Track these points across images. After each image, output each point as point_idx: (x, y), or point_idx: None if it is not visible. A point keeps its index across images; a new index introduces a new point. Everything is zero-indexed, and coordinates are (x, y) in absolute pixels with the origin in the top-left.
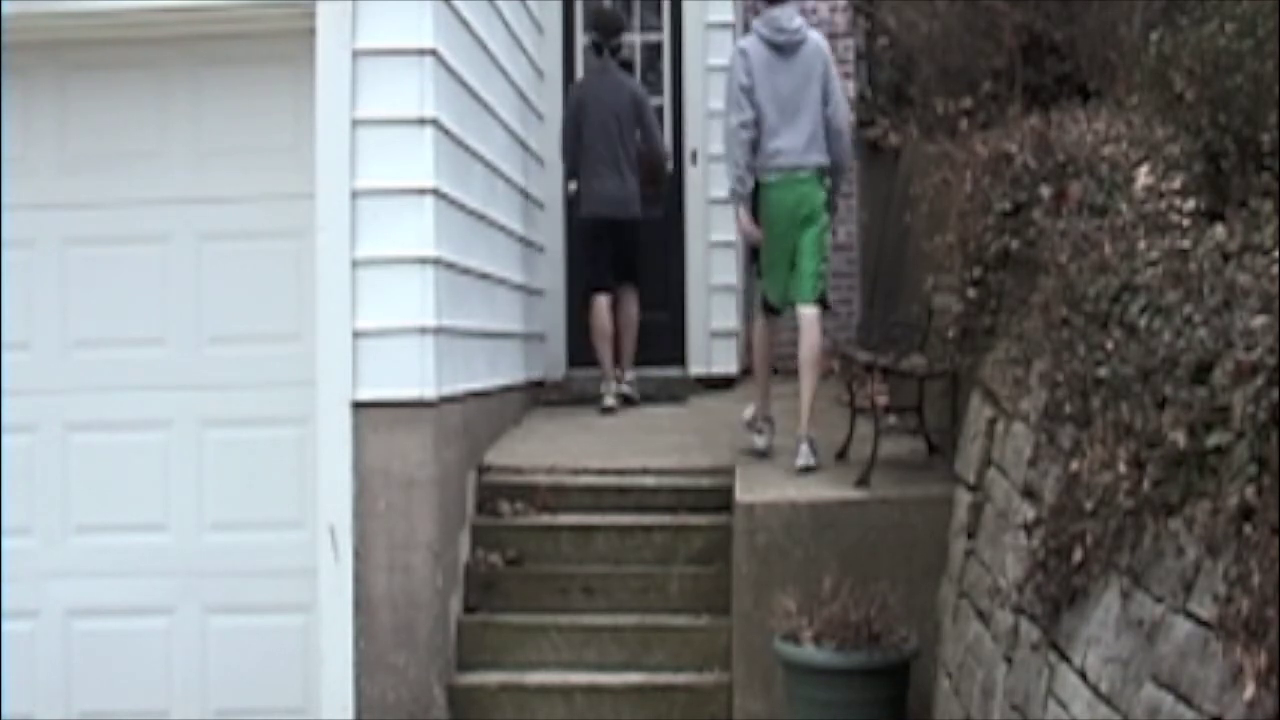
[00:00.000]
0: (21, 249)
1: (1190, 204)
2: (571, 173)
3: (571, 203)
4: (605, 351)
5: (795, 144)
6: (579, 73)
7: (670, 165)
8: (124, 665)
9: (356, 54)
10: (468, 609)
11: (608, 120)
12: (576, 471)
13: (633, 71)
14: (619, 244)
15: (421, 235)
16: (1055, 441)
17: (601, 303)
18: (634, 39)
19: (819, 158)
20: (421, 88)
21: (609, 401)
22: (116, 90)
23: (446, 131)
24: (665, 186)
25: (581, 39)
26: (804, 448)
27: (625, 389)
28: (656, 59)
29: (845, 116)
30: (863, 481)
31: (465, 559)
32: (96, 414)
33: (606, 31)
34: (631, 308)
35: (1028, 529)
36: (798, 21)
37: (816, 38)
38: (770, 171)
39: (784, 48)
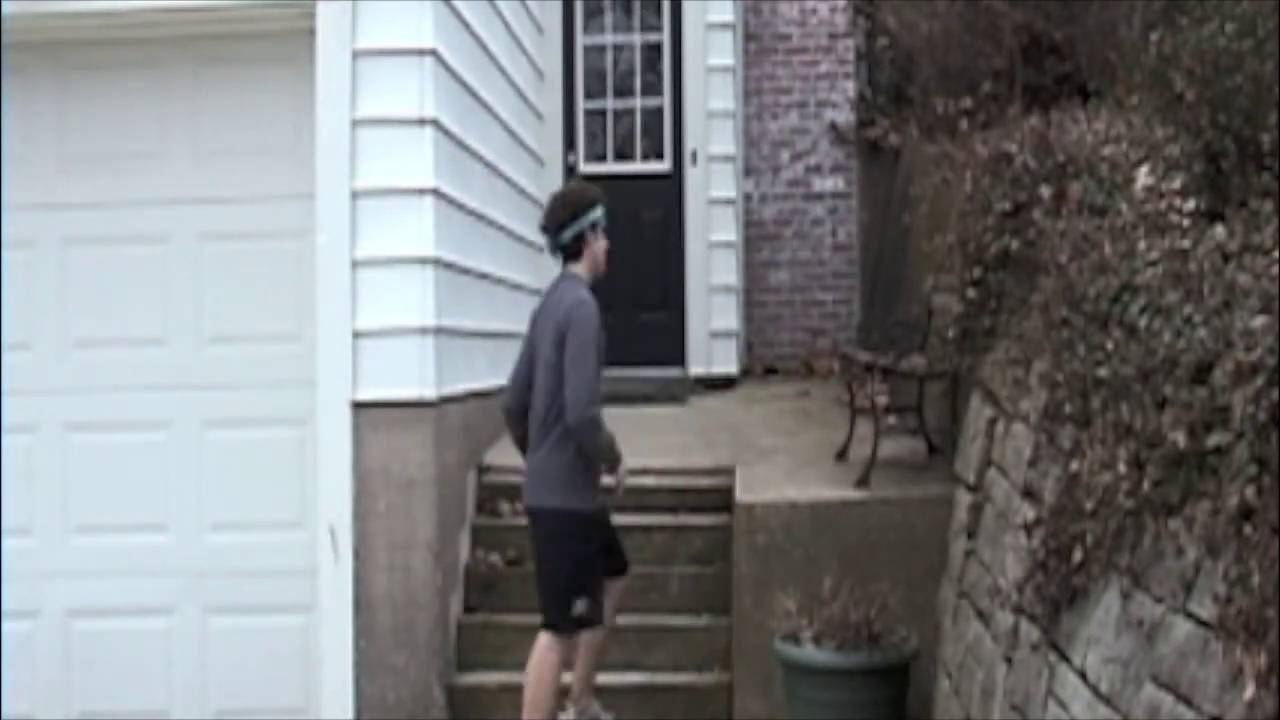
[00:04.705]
0: (21, 249)
1: (1190, 204)
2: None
3: None
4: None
5: None
6: (579, 73)
7: (590, 428)
8: (124, 665)
9: (356, 54)
10: (468, 609)
11: (538, 356)
12: None
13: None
14: (535, 543)
15: (421, 235)
16: (1055, 442)
17: (543, 644)
18: (634, 39)
19: None
20: (421, 88)
21: None
22: (116, 90)
23: (446, 131)
24: (604, 458)
25: (581, 38)
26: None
27: None
28: (656, 59)
29: None
30: (863, 482)
31: (465, 559)
32: (96, 414)
33: (546, 220)
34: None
35: (1028, 529)
36: None
37: None
38: None
39: None
